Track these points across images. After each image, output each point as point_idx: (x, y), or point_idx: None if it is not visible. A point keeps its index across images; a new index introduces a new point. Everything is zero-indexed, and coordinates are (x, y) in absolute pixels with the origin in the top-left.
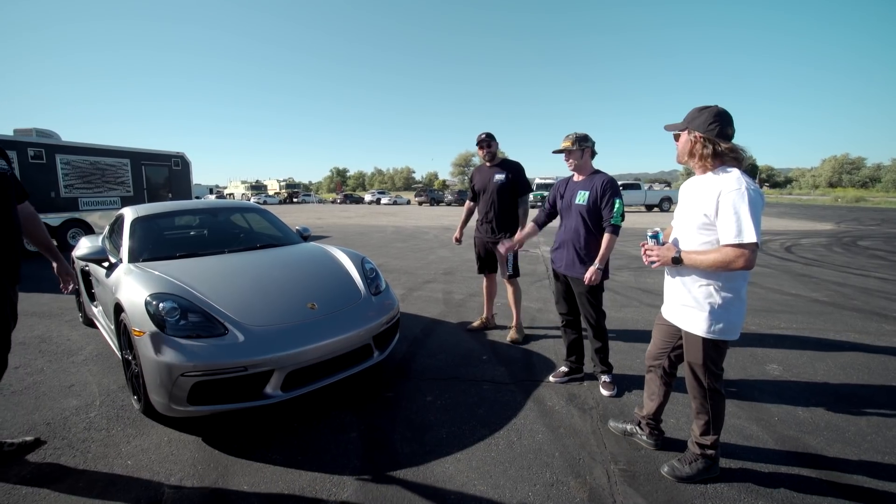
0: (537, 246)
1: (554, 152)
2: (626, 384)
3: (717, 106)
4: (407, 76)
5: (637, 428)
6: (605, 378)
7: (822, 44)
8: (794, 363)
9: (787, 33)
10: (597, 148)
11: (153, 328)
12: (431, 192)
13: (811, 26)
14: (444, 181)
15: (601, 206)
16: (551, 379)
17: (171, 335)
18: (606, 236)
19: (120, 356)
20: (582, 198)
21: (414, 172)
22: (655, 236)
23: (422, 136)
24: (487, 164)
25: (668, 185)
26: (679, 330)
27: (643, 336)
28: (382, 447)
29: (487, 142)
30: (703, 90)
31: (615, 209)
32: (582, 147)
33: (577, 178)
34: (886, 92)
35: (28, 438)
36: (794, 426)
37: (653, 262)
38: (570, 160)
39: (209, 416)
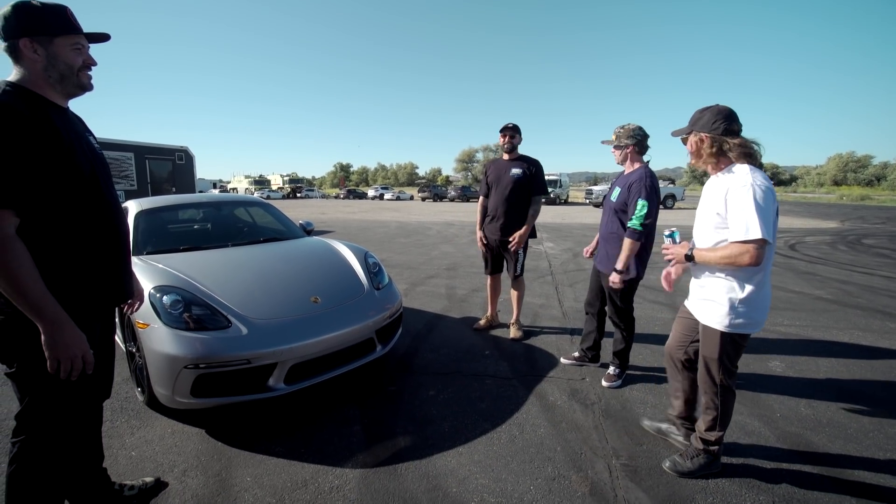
0: (541, 242)
1: (603, 142)
2: (628, 378)
3: (717, 104)
4: (412, 72)
5: (672, 427)
6: (612, 370)
7: (828, 41)
8: (797, 360)
9: (791, 31)
10: (594, 144)
11: (157, 321)
12: (434, 188)
13: (816, 24)
14: (447, 177)
15: (628, 206)
16: (563, 360)
17: (174, 328)
18: (625, 241)
19: (124, 348)
20: (615, 194)
21: (417, 168)
22: (671, 235)
23: (426, 132)
24: (506, 156)
25: (672, 182)
26: (699, 323)
27: (650, 333)
28: (385, 440)
29: (513, 132)
30: (706, 88)
31: (637, 211)
32: (632, 140)
33: (625, 172)
34: (893, 90)
35: (148, 480)
36: (797, 423)
37: (670, 261)
38: (617, 152)
39: (213, 408)
